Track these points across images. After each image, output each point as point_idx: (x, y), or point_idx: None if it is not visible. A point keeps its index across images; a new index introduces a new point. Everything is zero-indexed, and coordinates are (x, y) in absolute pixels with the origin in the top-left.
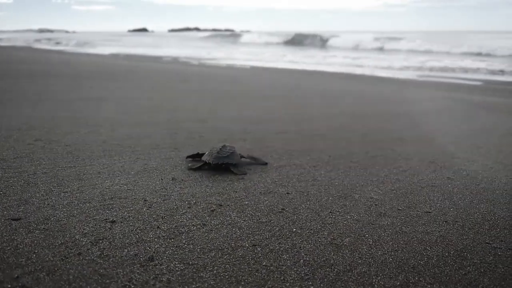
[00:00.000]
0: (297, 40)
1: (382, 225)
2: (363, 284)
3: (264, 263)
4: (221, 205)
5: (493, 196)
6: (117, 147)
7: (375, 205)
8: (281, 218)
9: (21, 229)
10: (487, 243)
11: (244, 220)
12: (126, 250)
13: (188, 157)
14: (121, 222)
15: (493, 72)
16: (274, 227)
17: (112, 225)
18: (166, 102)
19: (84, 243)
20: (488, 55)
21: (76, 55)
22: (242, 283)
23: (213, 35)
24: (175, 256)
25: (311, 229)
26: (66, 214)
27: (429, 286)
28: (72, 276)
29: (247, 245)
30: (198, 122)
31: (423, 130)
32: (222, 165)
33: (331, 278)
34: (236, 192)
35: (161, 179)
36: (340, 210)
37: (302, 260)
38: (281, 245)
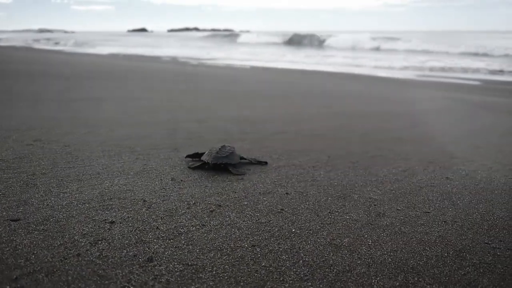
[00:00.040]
0: (295, 40)
1: (381, 225)
2: (362, 285)
3: (263, 264)
4: (220, 206)
5: (492, 196)
6: (116, 148)
7: (374, 205)
8: (280, 219)
9: (20, 230)
10: (486, 243)
11: (243, 221)
12: (125, 251)
13: (187, 156)
14: (120, 223)
15: (492, 72)
16: (273, 228)
17: (111, 226)
18: (165, 102)
19: (83, 244)
20: (487, 55)
21: (75, 55)
22: (241, 283)
23: (211, 35)
24: (174, 256)
25: (310, 230)
26: (65, 215)
27: (428, 287)
28: (71, 277)
29: (246, 245)
30: (197, 122)
31: (422, 130)
32: (221, 165)
33: (330, 279)
34: (235, 192)
35: (160, 179)
36: (339, 211)
37: (301, 261)
38: (280, 246)
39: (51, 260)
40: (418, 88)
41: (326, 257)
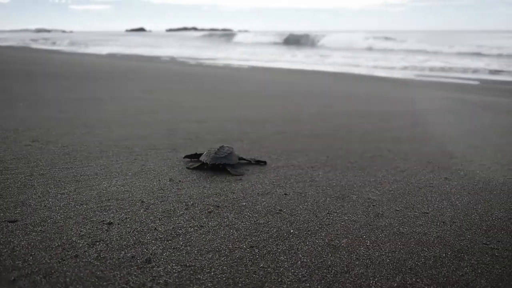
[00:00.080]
0: (291, 40)
1: (380, 226)
2: (360, 286)
3: (261, 265)
4: (218, 206)
5: (490, 196)
6: (114, 148)
7: (373, 206)
8: (279, 219)
9: (18, 231)
10: (484, 243)
11: (241, 222)
12: (123, 252)
13: (186, 156)
14: (118, 224)
15: (491, 72)
16: (272, 229)
17: (109, 227)
18: (164, 102)
19: (81, 245)
20: (486, 54)
21: (73, 55)
22: (240, 285)
23: (208, 34)
24: (172, 258)
25: (308, 230)
26: (63, 216)
27: (426, 287)
28: (69, 278)
29: (244, 246)
30: (195, 122)
31: (420, 130)
32: (219, 166)
33: (328, 280)
34: (234, 193)
35: (159, 180)
36: (337, 211)
37: (299, 262)
38: (278, 247)
39: (48, 261)
40: (417, 87)
41: (325, 258)
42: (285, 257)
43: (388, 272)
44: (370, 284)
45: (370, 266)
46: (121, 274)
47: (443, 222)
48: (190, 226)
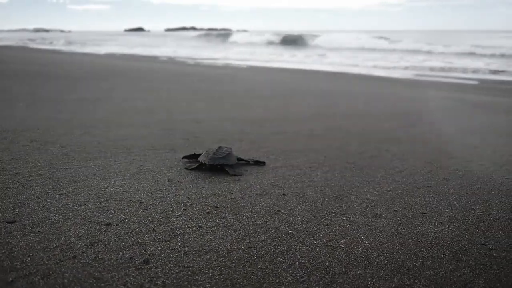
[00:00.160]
0: (289, 40)
1: (378, 226)
2: (358, 287)
3: (259, 266)
4: (216, 207)
5: (488, 197)
6: (113, 148)
7: (371, 206)
8: (277, 220)
9: (16, 232)
10: (482, 244)
11: (240, 222)
12: (121, 253)
13: (184, 157)
14: (116, 225)
15: (489, 72)
16: (270, 229)
17: (108, 228)
18: (162, 103)
19: (79, 246)
20: (485, 54)
21: (72, 54)
22: (237, 286)
23: (204, 34)
24: (170, 258)
25: (306, 231)
26: (61, 217)
27: None
28: (67, 279)
29: (242, 247)
30: (194, 122)
31: (419, 130)
32: (218, 166)
33: (326, 281)
34: (232, 193)
35: (157, 180)
36: (336, 212)
37: (297, 263)
38: (276, 247)
39: (47, 262)
40: (415, 87)
41: (323, 259)
42: (283, 258)
43: (386, 273)
44: (368, 285)
45: (368, 266)
46: (119, 275)
47: (441, 223)
48: (189, 227)
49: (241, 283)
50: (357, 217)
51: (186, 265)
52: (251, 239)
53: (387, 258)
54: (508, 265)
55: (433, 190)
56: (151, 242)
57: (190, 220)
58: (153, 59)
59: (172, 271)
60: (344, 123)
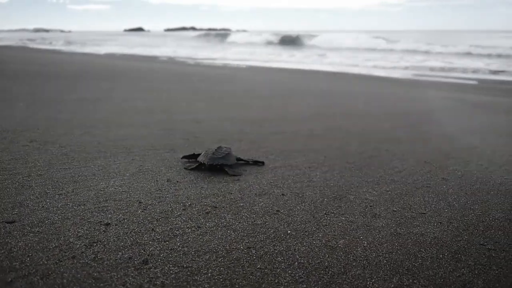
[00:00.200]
0: (287, 40)
1: (377, 226)
2: (357, 287)
3: (258, 266)
4: (216, 207)
5: (487, 197)
6: (112, 148)
7: (370, 206)
8: (276, 220)
9: (15, 232)
10: (481, 244)
11: (239, 222)
12: (121, 253)
13: (183, 157)
14: (115, 225)
15: (489, 72)
16: (269, 229)
17: (107, 228)
18: (162, 102)
19: (78, 246)
20: (485, 54)
21: (72, 54)
22: (236, 286)
23: (203, 34)
24: (169, 259)
25: (305, 231)
26: (60, 217)
27: None
28: (66, 280)
29: (241, 247)
30: (193, 122)
31: (418, 130)
32: (217, 166)
33: (325, 281)
34: (231, 193)
35: (156, 180)
36: (335, 212)
37: (296, 263)
38: (275, 248)
39: (46, 262)
40: (414, 87)
41: (322, 259)
42: (282, 258)
43: (385, 273)
44: (367, 285)
45: (367, 267)
46: (118, 275)
47: (440, 223)
48: (188, 227)
49: (240, 283)
50: (356, 217)
51: (185, 265)
52: (250, 239)
53: (386, 258)
54: (507, 265)
55: (432, 190)
56: (150, 242)
57: (189, 220)
58: (153, 59)
59: (171, 271)
60: (343, 123)
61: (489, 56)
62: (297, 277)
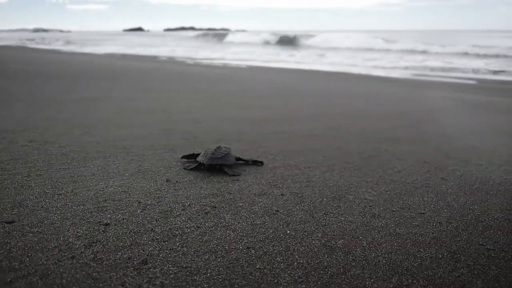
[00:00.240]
0: (285, 40)
1: (376, 226)
2: (356, 287)
3: (257, 266)
4: (215, 207)
5: (487, 197)
6: (111, 148)
7: (369, 206)
8: (275, 220)
9: (15, 232)
10: (480, 244)
11: (238, 222)
12: (120, 253)
13: (183, 157)
14: (115, 225)
15: (489, 72)
16: (268, 229)
17: (106, 228)
18: (161, 102)
19: (77, 246)
20: (484, 54)
21: (71, 54)
22: (236, 286)
23: (202, 34)
24: (168, 259)
25: (305, 231)
26: (60, 217)
27: None
28: (65, 280)
29: (241, 247)
30: (193, 122)
31: (417, 130)
32: (216, 166)
33: (324, 281)
34: (231, 193)
35: (155, 180)
36: (334, 212)
37: (295, 263)
38: (274, 248)
39: (45, 262)
40: (413, 87)
41: (321, 259)
42: (281, 258)
43: (384, 273)
44: (366, 285)
45: (366, 267)
46: (118, 276)
47: (440, 223)
48: (187, 227)
49: (239, 283)
50: (355, 217)
51: (184, 265)
52: (250, 239)
53: (385, 258)
54: (506, 265)
55: (432, 190)
56: (150, 242)
57: (189, 220)
58: (152, 59)
59: (170, 271)
60: (343, 123)
61: (488, 56)
62: (296, 277)
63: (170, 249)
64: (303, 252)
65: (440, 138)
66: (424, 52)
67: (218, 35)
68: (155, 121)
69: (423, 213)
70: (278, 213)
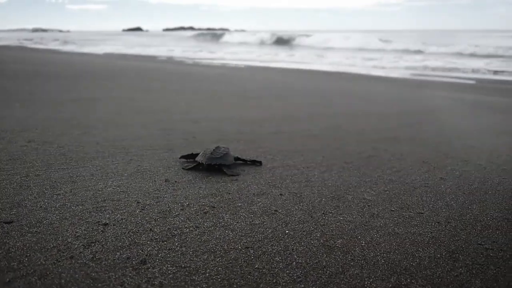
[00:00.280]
0: (282, 40)
1: (375, 226)
2: (355, 287)
3: (256, 266)
4: (214, 207)
5: (485, 197)
6: (110, 148)
7: (368, 206)
8: (274, 220)
9: (13, 232)
10: (479, 244)
11: (237, 222)
12: (119, 253)
13: (182, 157)
14: (113, 225)
15: (488, 71)
16: (267, 229)
17: (105, 228)
18: (160, 102)
19: (76, 246)
20: (483, 54)
21: (71, 54)
22: (234, 286)
23: (198, 34)
24: (167, 259)
25: (303, 231)
26: (58, 217)
27: None
28: (64, 280)
29: (239, 247)
30: (191, 122)
31: (416, 130)
32: (215, 166)
33: (323, 281)
34: (230, 193)
35: (154, 180)
36: (333, 212)
37: (294, 263)
38: (273, 247)
39: (44, 262)
40: (412, 87)
41: (320, 259)
42: (280, 258)
43: (383, 273)
44: (365, 285)
45: (365, 266)
46: (116, 276)
47: (438, 223)
48: (186, 227)
49: (238, 283)
50: (354, 217)
51: (183, 265)
52: (248, 239)
53: (384, 258)
54: (505, 264)
55: (430, 190)
56: (148, 242)
57: (188, 220)
58: (152, 58)
59: (169, 271)
60: (342, 123)
61: (488, 56)
62: (295, 277)
63: (169, 249)
64: (302, 251)
65: (439, 138)
66: (423, 52)
67: (215, 35)
68: (155, 121)
69: (422, 213)
70: (277, 213)
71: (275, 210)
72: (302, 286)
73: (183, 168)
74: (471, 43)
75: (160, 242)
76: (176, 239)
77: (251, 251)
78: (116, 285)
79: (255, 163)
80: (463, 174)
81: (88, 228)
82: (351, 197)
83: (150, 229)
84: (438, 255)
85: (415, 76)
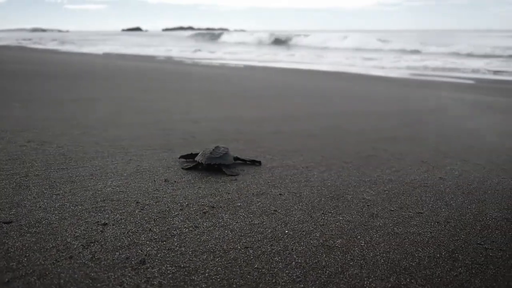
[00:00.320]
0: (280, 40)
1: (374, 226)
2: (354, 286)
3: (256, 266)
4: (213, 207)
5: (485, 196)
6: (110, 148)
7: (367, 206)
8: (273, 220)
9: (12, 232)
10: (478, 243)
11: (236, 222)
12: (118, 253)
13: (181, 157)
14: (113, 225)
15: (488, 71)
16: (266, 229)
17: (104, 228)
18: (159, 102)
19: (75, 246)
20: (483, 54)
21: (70, 54)
22: (234, 286)
23: (197, 34)
24: (166, 259)
25: (303, 231)
26: (57, 217)
27: None
28: (63, 280)
29: (239, 247)
30: (191, 122)
31: (416, 130)
32: (214, 166)
33: (322, 280)
34: (229, 193)
35: (154, 180)
36: (332, 211)
37: (293, 262)
38: (273, 247)
39: (43, 263)
40: (411, 87)
41: (319, 259)
42: (279, 257)
43: (382, 273)
44: (365, 285)
45: (364, 266)
46: (115, 276)
47: (438, 222)
48: (185, 227)
49: (238, 283)
50: (353, 216)
51: (182, 265)
52: (248, 239)
53: (384, 258)
54: (504, 264)
55: (430, 190)
56: (148, 242)
57: (187, 220)
58: (151, 58)
59: (168, 271)
60: (341, 123)
61: (488, 56)
62: (294, 277)
63: (168, 249)
64: (301, 251)
65: (438, 138)
66: (423, 52)
67: (213, 35)
68: (154, 121)
69: (421, 213)
70: (276, 213)
71: (274, 210)
72: (302, 286)
73: (182, 168)
74: (471, 43)
75: (160, 242)
76: (175, 239)
77: (251, 251)
78: (115, 285)
79: (255, 163)
80: (462, 173)
81: (87, 228)
82: (350, 197)
83: (150, 229)
84: (438, 255)
85: (415, 76)
